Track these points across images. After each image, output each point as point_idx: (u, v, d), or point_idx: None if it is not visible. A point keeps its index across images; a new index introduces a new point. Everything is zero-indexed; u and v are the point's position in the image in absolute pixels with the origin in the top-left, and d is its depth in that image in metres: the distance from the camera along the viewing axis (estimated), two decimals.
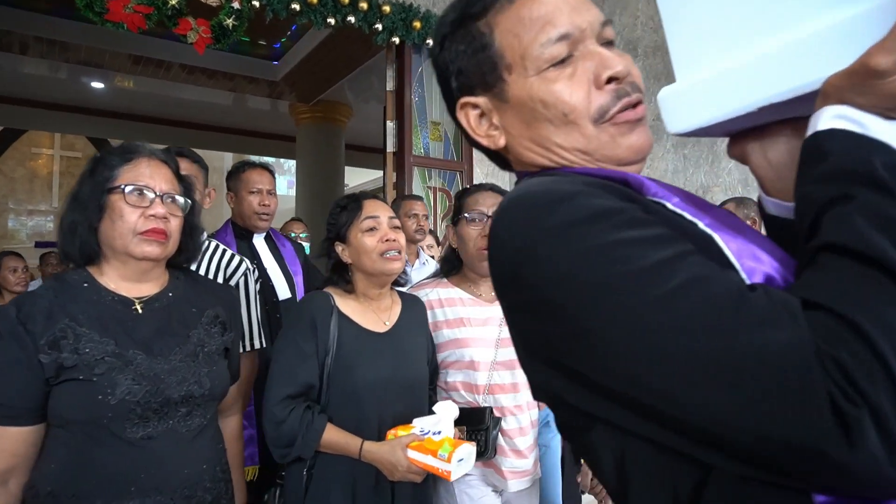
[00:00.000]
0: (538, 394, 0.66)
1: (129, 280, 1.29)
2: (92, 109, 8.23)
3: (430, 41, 4.01)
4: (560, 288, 0.52)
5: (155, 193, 1.27)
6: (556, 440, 2.58)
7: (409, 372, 1.59)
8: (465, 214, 1.79)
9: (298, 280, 2.65)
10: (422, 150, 4.10)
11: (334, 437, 1.47)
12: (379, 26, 3.78)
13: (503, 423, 1.72)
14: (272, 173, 2.62)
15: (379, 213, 1.61)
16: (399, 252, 1.60)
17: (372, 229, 1.59)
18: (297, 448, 1.45)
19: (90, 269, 1.29)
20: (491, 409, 1.66)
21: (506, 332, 1.65)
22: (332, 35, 5.29)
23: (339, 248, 1.63)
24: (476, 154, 4.30)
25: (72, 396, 1.16)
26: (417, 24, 3.93)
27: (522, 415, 1.76)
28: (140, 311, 1.27)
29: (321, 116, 7.58)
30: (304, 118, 7.66)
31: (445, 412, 1.49)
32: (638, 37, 5.10)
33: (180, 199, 1.33)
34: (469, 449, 1.47)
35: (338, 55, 5.90)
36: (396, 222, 1.64)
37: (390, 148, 4.07)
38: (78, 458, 1.16)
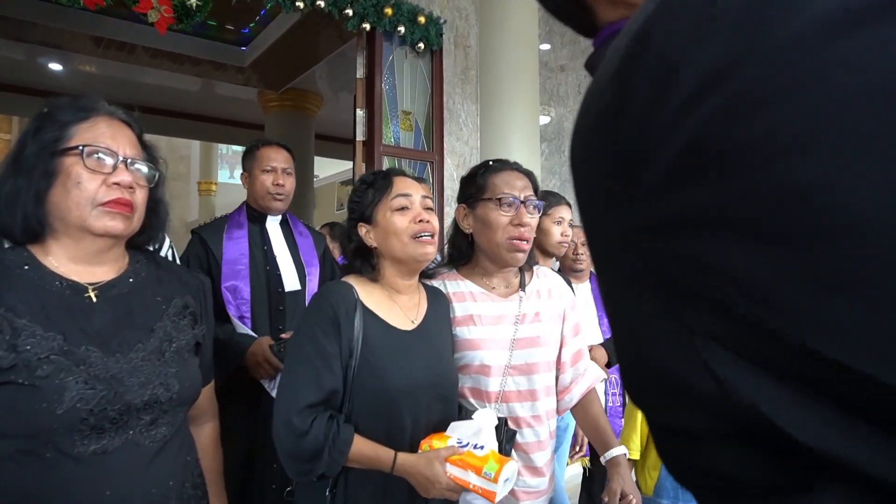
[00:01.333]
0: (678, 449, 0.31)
1: (82, 262, 1.08)
2: (51, 92, 7.93)
3: (401, 29, 3.94)
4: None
5: (119, 158, 1.08)
6: (564, 448, 2.50)
7: (442, 375, 1.42)
8: (496, 197, 1.53)
9: (312, 272, 2.44)
10: (392, 140, 4.04)
11: (364, 449, 1.27)
12: (349, 11, 3.69)
13: (518, 436, 1.49)
14: (289, 151, 2.46)
15: (411, 190, 1.43)
16: (432, 236, 1.41)
17: (403, 208, 1.40)
18: (322, 464, 1.24)
19: (32, 249, 1.06)
20: (505, 420, 1.43)
21: (522, 332, 1.54)
22: (301, 21, 5.17)
23: (362, 229, 1.44)
24: (447, 145, 4.25)
25: (8, 404, 0.95)
26: (389, 11, 3.85)
27: (541, 426, 1.55)
28: (94, 299, 1.07)
29: (291, 105, 7.44)
30: (273, 106, 7.51)
31: (486, 421, 1.32)
32: None
33: (145, 168, 1.13)
34: (514, 467, 1.30)
35: (308, 42, 5.78)
36: (430, 202, 1.46)
37: (360, 137, 3.99)
38: (14, 479, 0.95)
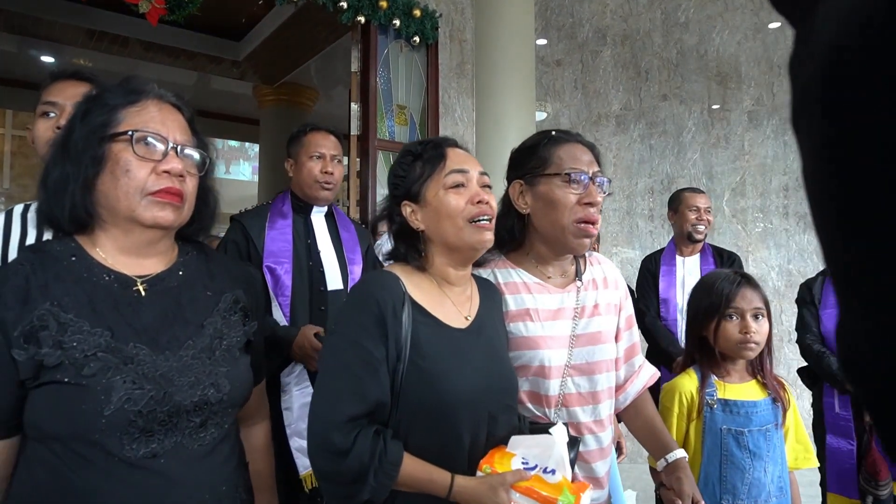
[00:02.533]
0: None
1: (131, 254, 1.03)
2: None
3: (396, 22, 3.90)
4: None
5: (169, 144, 1.01)
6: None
7: (503, 380, 1.23)
8: (563, 172, 1.33)
9: (355, 271, 2.26)
10: (387, 135, 4.00)
11: (415, 470, 1.09)
12: (344, 4, 3.65)
13: (581, 444, 1.34)
14: (339, 137, 2.29)
15: (468, 165, 1.22)
16: (491, 220, 1.22)
17: (458, 186, 1.20)
18: (367, 488, 1.06)
19: (79, 239, 1.01)
20: (564, 425, 1.28)
21: (582, 327, 1.38)
22: (296, 14, 5.12)
23: (406, 209, 1.22)
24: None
25: (54, 404, 0.90)
26: (384, 4, 3.81)
27: (603, 432, 1.39)
28: (143, 293, 1.01)
29: (286, 99, 7.39)
30: (269, 101, 7.47)
31: (556, 437, 1.12)
32: (607, 25, 5.07)
33: (196, 155, 1.06)
34: (592, 495, 1.14)
35: (303, 36, 5.73)
36: (487, 180, 1.24)
37: (354, 131, 3.96)
38: (61, 481, 0.90)
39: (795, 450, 1.71)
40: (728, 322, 1.66)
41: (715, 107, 4.93)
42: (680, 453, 1.44)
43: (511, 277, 1.40)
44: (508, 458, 1.11)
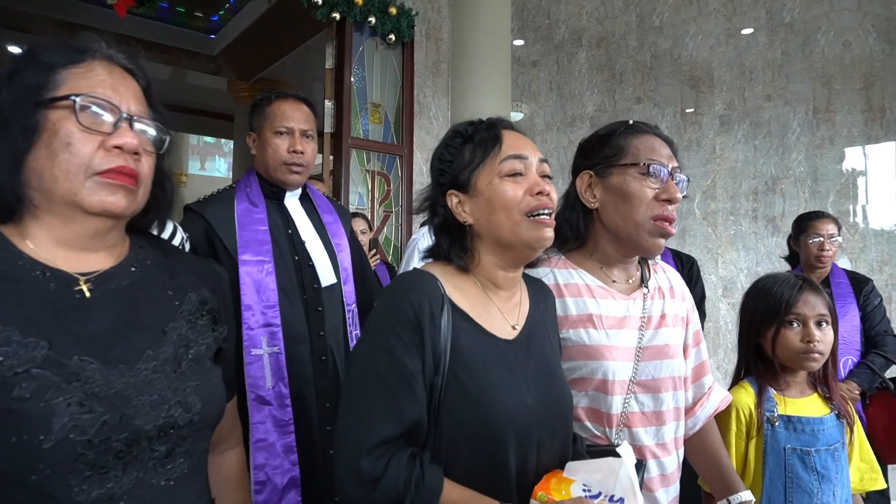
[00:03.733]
0: None
1: (72, 247, 0.84)
2: None
3: (372, 19, 3.88)
4: None
5: (122, 115, 0.83)
6: None
7: (557, 399, 1.07)
8: (641, 163, 1.20)
9: (344, 259, 1.91)
10: (361, 133, 3.98)
11: (458, 498, 0.95)
12: (319, 0, 3.63)
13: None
14: (311, 107, 1.88)
15: (527, 151, 1.06)
16: (551, 215, 1.05)
17: (516, 175, 1.04)
18: None
19: (4, 230, 0.83)
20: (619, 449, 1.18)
21: (648, 339, 1.24)
22: (272, 9, 5.08)
23: (452, 199, 1.06)
24: (417, 139, 4.21)
25: None
26: (359, 1, 3.80)
27: (668, 457, 1.24)
28: (88, 293, 0.82)
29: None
30: (244, 97, 7.40)
31: (627, 461, 0.98)
32: (583, 27, 5.11)
33: (153, 130, 0.88)
34: None
35: (278, 32, 5.69)
36: (547, 168, 1.08)
37: (327, 128, 3.94)
38: None
39: (861, 469, 1.57)
40: (788, 330, 1.51)
41: (688, 110, 4.99)
42: (747, 496, 1.29)
43: (573, 279, 1.25)
44: (567, 484, 0.96)
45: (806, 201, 4.66)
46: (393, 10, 3.99)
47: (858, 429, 1.57)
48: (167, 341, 0.86)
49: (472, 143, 1.07)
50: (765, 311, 1.55)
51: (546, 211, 1.04)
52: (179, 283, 0.93)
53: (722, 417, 1.50)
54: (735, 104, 4.86)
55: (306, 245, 1.84)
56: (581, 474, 0.98)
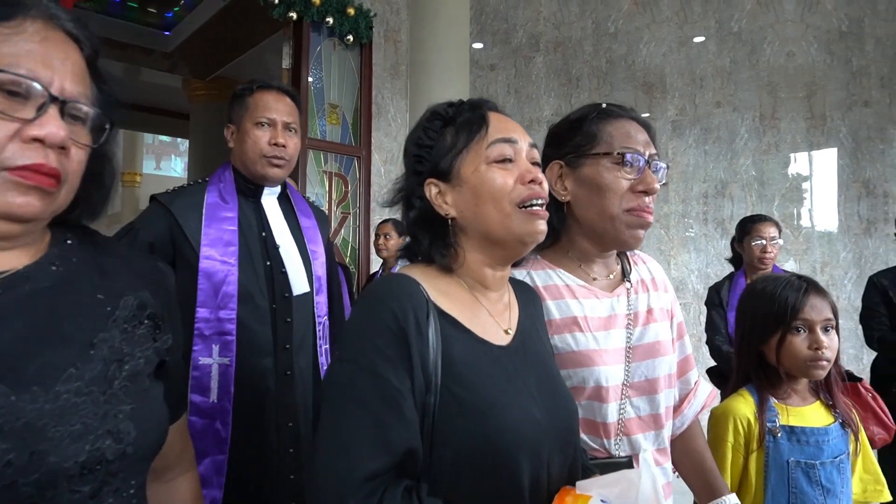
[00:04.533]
0: None
1: None
2: None
3: (329, 20, 3.86)
4: None
5: (50, 97, 0.67)
6: None
7: (563, 407, 0.96)
8: (615, 151, 1.11)
9: (319, 267, 1.78)
10: (318, 134, 3.96)
11: None
12: None
13: None
14: (295, 100, 1.76)
15: (517, 135, 0.95)
16: (543, 204, 0.95)
17: (505, 161, 0.93)
18: None
19: None
20: (631, 459, 1.10)
21: (638, 337, 1.16)
22: (228, 7, 5.01)
23: (431, 189, 0.95)
24: (375, 140, 4.20)
25: None
26: (317, 1, 3.78)
27: (668, 462, 1.18)
28: None
29: (218, 94, 7.19)
30: (200, 95, 7.26)
31: (645, 472, 0.89)
32: (540, 32, 5.19)
33: (89, 110, 0.72)
34: None
35: (235, 30, 5.60)
36: (537, 155, 0.98)
37: None
38: None
39: (864, 480, 1.47)
40: (795, 336, 1.41)
41: (642, 115, 5.11)
42: (732, 500, 1.22)
43: (551, 280, 1.15)
44: (584, 501, 0.87)
45: (753, 205, 4.82)
46: (351, 11, 3.97)
47: (863, 438, 1.48)
48: (95, 356, 0.71)
49: (455, 125, 0.96)
50: (768, 316, 1.44)
51: (539, 201, 0.94)
52: (113, 285, 0.78)
53: (718, 428, 1.44)
54: (686, 110, 5.00)
55: (280, 250, 1.71)
56: (598, 489, 0.87)
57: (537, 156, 0.98)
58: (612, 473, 0.91)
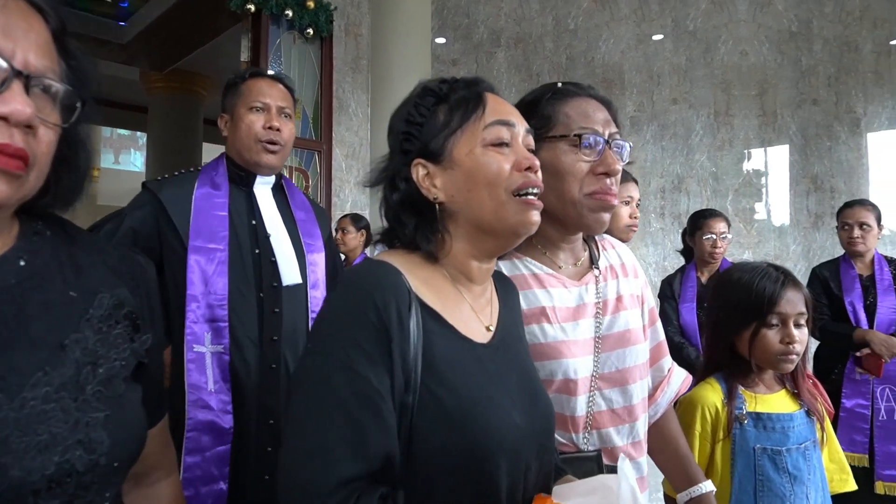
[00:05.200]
0: None
1: None
2: None
3: (289, 13, 3.83)
4: None
5: (13, 71, 0.61)
6: None
7: (541, 411, 0.92)
8: (572, 133, 1.06)
9: (315, 260, 1.75)
10: None
11: None
12: None
13: None
14: (289, 88, 1.75)
15: (513, 117, 0.90)
16: (538, 194, 0.90)
17: (501, 145, 0.88)
18: None
19: None
20: (599, 453, 1.06)
21: (607, 326, 1.13)
22: None
23: (419, 170, 0.88)
24: (336, 134, 4.18)
25: None
26: None
27: (642, 457, 1.14)
28: None
29: (177, 87, 7.06)
30: (158, 87, 7.10)
31: (626, 475, 0.84)
32: (501, 28, 5.23)
33: (58, 86, 0.66)
34: None
35: (193, 21, 5.49)
36: (532, 141, 0.93)
37: None
38: None
39: (830, 470, 1.46)
40: (768, 329, 1.39)
41: None
42: (707, 487, 1.21)
43: (518, 269, 1.11)
44: None
45: (708, 199, 4.95)
46: (311, 4, 3.95)
47: (828, 427, 1.48)
48: (66, 359, 0.66)
49: (448, 103, 0.90)
50: (744, 307, 1.41)
51: (534, 190, 0.88)
52: (86, 281, 0.73)
53: (685, 416, 1.42)
54: (644, 106, 5.11)
55: (271, 239, 1.67)
56: (575, 498, 0.82)
57: (532, 142, 0.93)
58: (588, 479, 0.87)
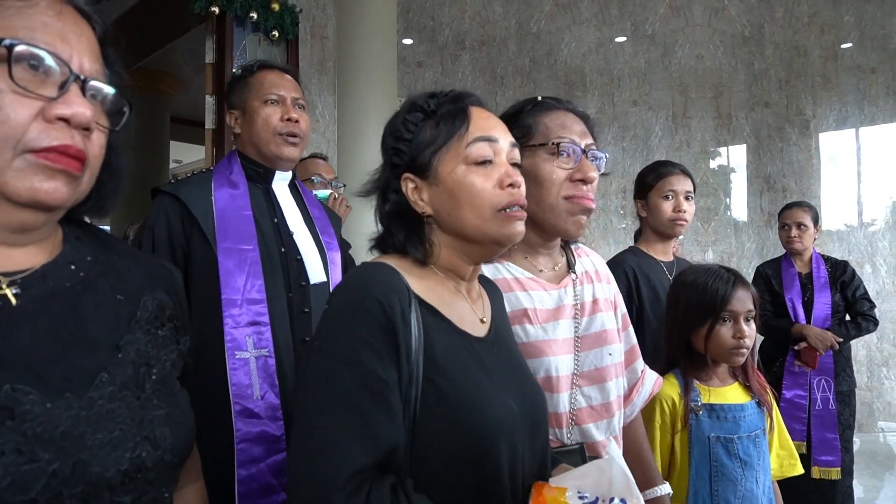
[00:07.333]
0: None
1: None
2: None
3: (253, 15, 3.85)
4: None
5: (72, 74, 0.63)
6: None
7: (533, 401, 0.96)
8: (551, 142, 1.12)
9: (334, 259, 1.70)
10: None
11: None
12: None
13: None
14: (297, 79, 1.71)
15: (498, 133, 0.93)
16: (523, 208, 0.93)
17: (485, 163, 0.90)
18: None
19: None
20: (582, 446, 1.11)
21: (585, 327, 1.19)
22: None
23: (408, 184, 0.92)
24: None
25: None
26: None
27: (619, 451, 1.18)
28: (14, 300, 0.63)
29: (143, 86, 6.97)
30: (123, 86, 7.03)
31: (616, 458, 0.91)
32: (465, 30, 5.31)
33: (108, 90, 0.68)
34: None
35: (158, 19, 5.45)
36: (517, 155, 0.95)
37: (209, 124, 3.87)
38: None
39: (780, 456, 1.60)
40: (722, 326, 1.52)
41: None
42: (664, 489, 1.29)
43: (500, 273, 1.16)
44: (561, 493, 0.86)
45: None
46: (276, 7, 3.97)
47: (777, 416, 1.60)
48: (124, 360, 0.67)
49: (435, 118, 0.93)
50: (699, 306, 1.54)
51: (517, 206, 0.92)
52: (129, 285, 0.74)
53: (646, 410, 1.47)
54: (605, 108, 5.24)
55: (294, 237, 1.61)
56: (571, 481, 0.87)
57: (517, 156, 0.95)
58: (581, 466, 0.93)
